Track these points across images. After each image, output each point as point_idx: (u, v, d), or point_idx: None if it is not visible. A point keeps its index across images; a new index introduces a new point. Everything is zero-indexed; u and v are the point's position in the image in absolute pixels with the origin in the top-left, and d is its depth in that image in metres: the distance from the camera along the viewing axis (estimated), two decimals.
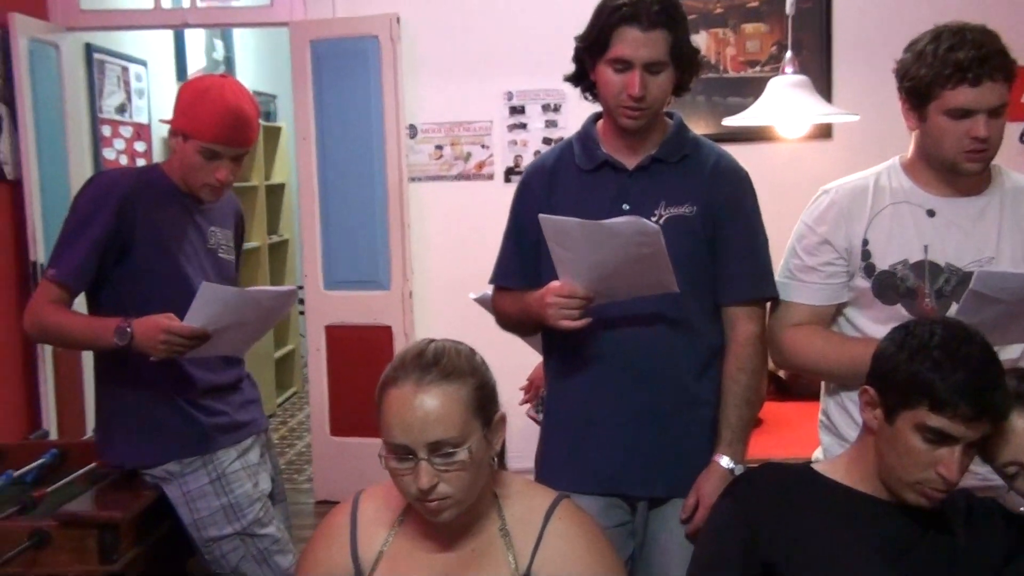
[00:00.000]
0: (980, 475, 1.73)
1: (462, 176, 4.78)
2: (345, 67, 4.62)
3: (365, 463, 4.29)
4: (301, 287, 4.87)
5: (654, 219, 2.00)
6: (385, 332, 4.67)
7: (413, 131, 4.76)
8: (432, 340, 1.59)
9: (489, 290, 2.97)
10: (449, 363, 1.53)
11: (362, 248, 4.70)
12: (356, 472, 4.36)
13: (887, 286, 2.02)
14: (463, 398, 1.51)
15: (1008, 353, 1.96)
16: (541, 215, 1.94)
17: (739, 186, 2.11)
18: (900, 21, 4.24)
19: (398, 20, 4.58)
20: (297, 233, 6.36)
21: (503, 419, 1.60)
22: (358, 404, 4.56)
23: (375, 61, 4.59)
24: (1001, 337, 1.81)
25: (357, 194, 4.67)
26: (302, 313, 5.00)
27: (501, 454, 1.65)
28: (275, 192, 7.11)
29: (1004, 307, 1.81)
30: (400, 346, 4.61)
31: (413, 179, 4.75)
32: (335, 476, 4.73)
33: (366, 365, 4.64)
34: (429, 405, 1.49)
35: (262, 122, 6.52)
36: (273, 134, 7.06)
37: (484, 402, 1.55)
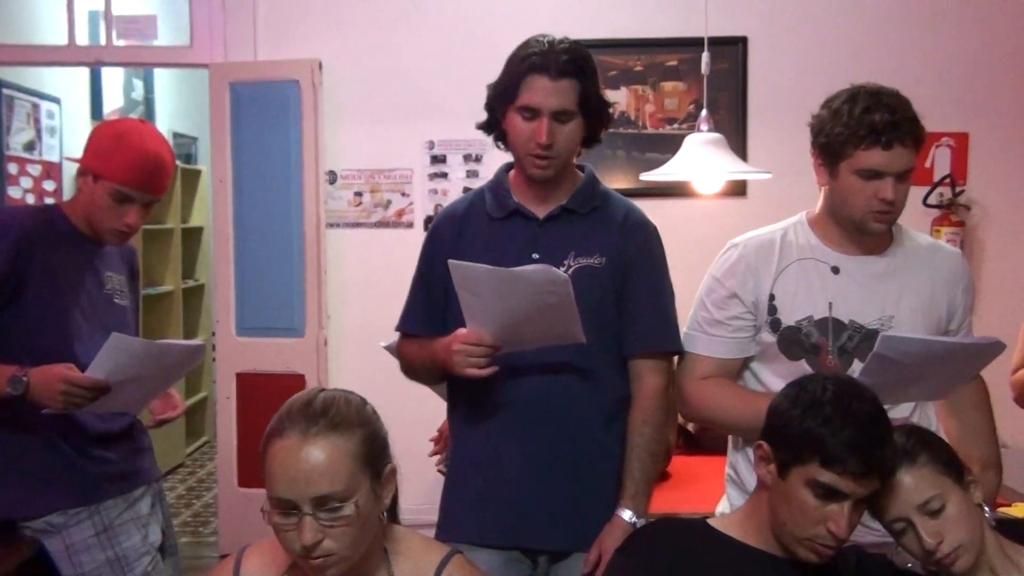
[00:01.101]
0: (880, 532, 1.74)
1: (381, 223, 4.75)
2: (265, 111, 4.58)
3: None
4: (214, 333, 4.77)
5: (563, 269, 2.00)
6: (298, 381, 4.58)
7: (333, 177, 4.72)
8: (322, 389, 1.54)
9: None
10: (337, 414, 1.49)
11: (277, 294, 4.62)
12: (262, 525, 4.25)
13: (792, 341, 2.03)
14: (351, 450, 1.47)
15: (899, 411, 1.99)
16: (451, 261, 1.93)
17: (648, 239, 2.12)
18: (812, 83, 4.33)
19: (320, 66, 4.56)
20: (213, 278, 6.24)
21: (394, 472, 1.55)
22: None
23: (296, 106, 4.55)
24: (903, 396, 1.84)
25: (273, 239, 4.60)
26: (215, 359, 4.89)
27: (394, 508, 1.61)
28: (192, 235, 6.99)
29: (905, 370, 1.83)
30: None
31: (331, 225, 4.71)
32: (241, 529, 4.58)
33: None
34: (315, 458, 1.44)
35: (181, 164, 6.50)
36: (192, 177, 6.95)
37: (373, 454, 1.50)
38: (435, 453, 3.28)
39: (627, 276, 2.07)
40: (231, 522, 4.67)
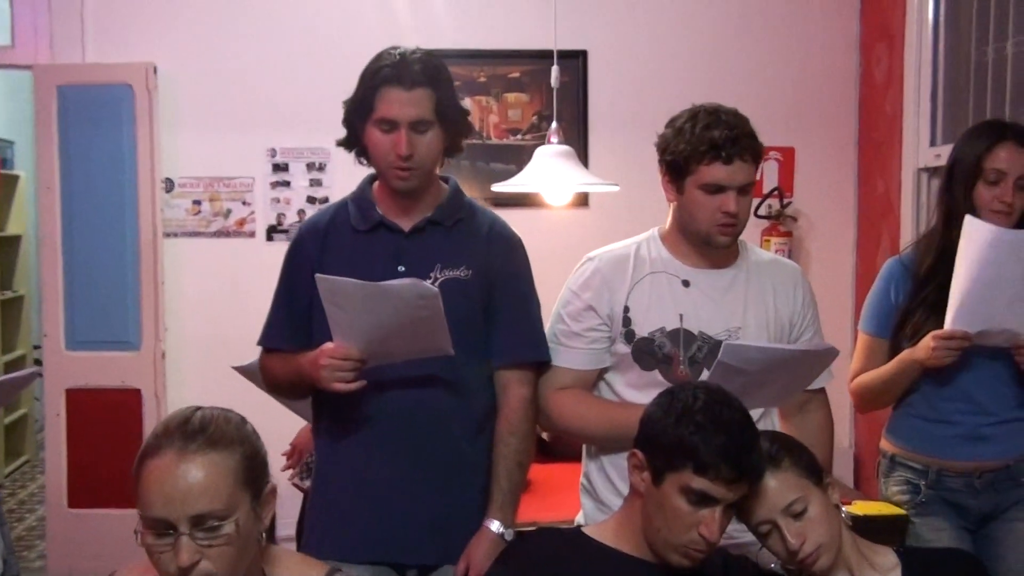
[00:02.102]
0: (728, 533, 1.81)
1: (222, 233, 4.62)
2: (96, 116, 4.37)
3: (107, 537, 4.04)
4: (38, 347, 4.51)
5: (429, 281, 2.00)
6: (134, 395, 4.40)
7: (170, 185, 4.56)
8: (199, 408, 1.50)
9: (253, 359, 2.88)
10: (217, 431, 1.45)
11: (110, 306, 4.42)
12: (96, 547, 4.05)
13: (645, 352, 2.10)
14: (231, 468, 1.43)
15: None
16: (318, 275, 1.90)
17: (513, 251, 2.15)
18: (650, 98, 4.52)
19: (155, 70, 4.39)
20: (35, 289, 5.91)
21: (274, 491, 1.53)
22: (102, 473, 4.26)
23: (129, 111, 4.37)
24: (748, 403, 1.92)
25: (106, 248, 4.40)
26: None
27: (271, 528, 1.57)
28: (9, 244, 6.59)
29: (749, 377, 1.92)
30: (150, 410, 4.38)
31: (168, 234, 4.54)
32: (73, 552, 4.35)
33: (111, 431, 4.36)
34: (193, 476, 1.40)
35: None
36: (9, 183, 6.55)
37: (254, 473, 1.47)
38: (288, 467, 3.23)
39: (493, 288, 2.09)
40: (61, 545, 4.43)
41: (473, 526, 2.04)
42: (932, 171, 4.30)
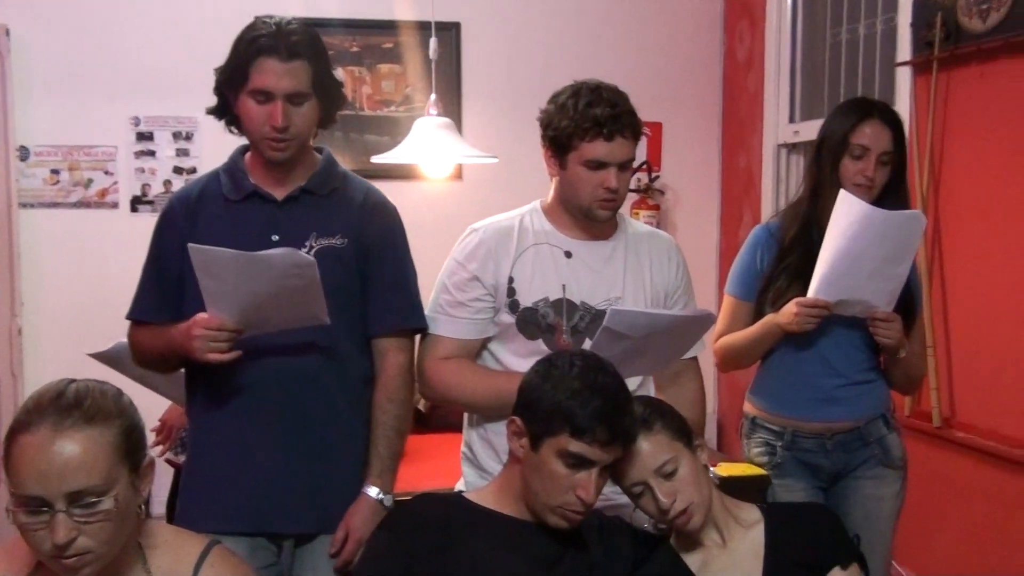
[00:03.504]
0: (604, 495, 1.88)
1: (82, 203, 4.44)
2: None
3: None
4: None
5: (304, 250, 1.99)
6: None
7: (25, 153, 4.36)
8: (72, 380, 1.46)
9: (111, 344, 2.80)
10: (93, 405, 1.41)
11: None
12: None
13: (529, 322, 2.14)
14: (109, 442, 1.40)
15: (629, 385, 2.15)
16: (191, 245, 1.87)
17: (389, 220, 2.16)
18: (523, 72, 4.56)
19: (7, 32, 4.19)
20: None
21: (152, 463, 1.50)
22: None
23: None
24: (627, 371, 1.99)
25: None
26: None
27: (147, 501, 1.55)
28: None
29: (631, 343, 1.98)
30: (6, 389, 4.21)
31: (25, 205, 4.34)
32: None
33: None
34: (69, 451, 1.36)
35: None
36: None
37: (132, 446, 1.44)
38: (158, 443, 3.17)
39: (369, 256, 2.10)
40: None
41: (351, 495, 2.05)
42: (791, 147, 4.48)
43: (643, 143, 4.77)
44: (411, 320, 2.15)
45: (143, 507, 1.49)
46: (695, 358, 2.31)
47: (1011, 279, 3.07)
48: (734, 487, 2.46)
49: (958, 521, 3.34)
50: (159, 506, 2.94)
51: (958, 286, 3.33)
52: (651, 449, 1.76)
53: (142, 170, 4.48)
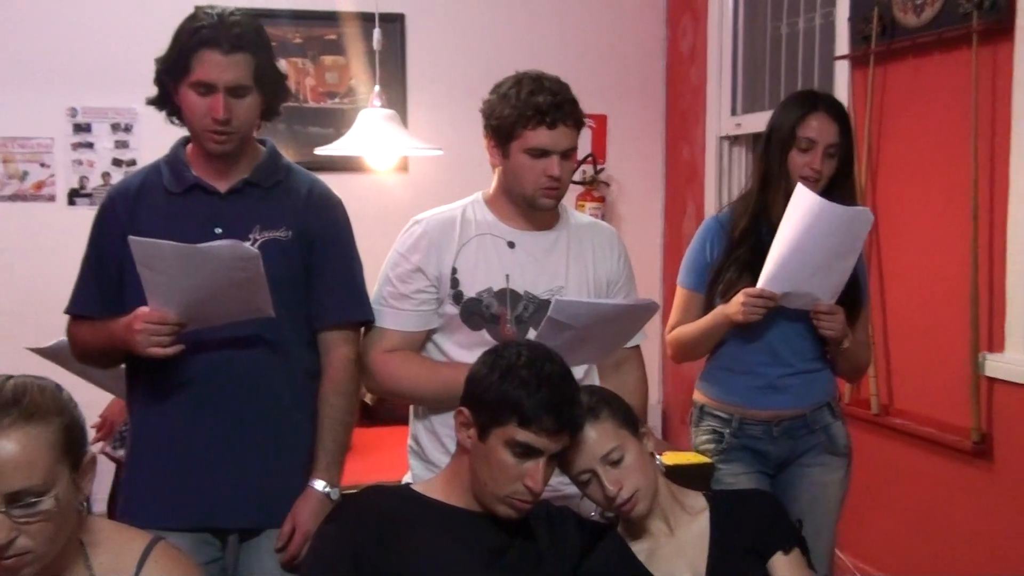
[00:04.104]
0: (551, 485, 1.89)
1: (17, 196, 4.35)
2: None
3: None
4: None
5: (248, 243, 1.97)
6: None
7: None
8: (10, 376, 1.42)
9: (53, 341, 2.75)
10: (31, 402, 1.38)
11: None
12: None
13: (473, 312, 2.14)
14: (48, 441, 1.37)
15: (575, 374, 2.17)
16: (132, 238, 1.84)
17: (334, 212, 2.15)
18: (468, 64, 4.55)
19: None
20: None
21: (93, 461, 1.48)
22: None
23: None
24: (572, 360, 2.01)
25: None
26: None
27: (88, 498, 1.53)
28: None
29: (575, 333, 1.99)
30: None
31: None
32: None
33: None
34: (8, 451, 1.34)
35: None
36: None
37: (73, 443, 1.42)
38: (99, 439, 3.12)
39: (314, 248, 2.08)
40: None
41: (297, 489, 2.04)
42: (733, 139, 4.53)
43: (588, 135, 4.83)
44: (357, 313, 2.14)
45: (84, 504, 1.47)
46: (638, 347, 2.33)
47: (945, 269, 3.15)
48: (680, 475, 2.48)
49: (895, 506, 3.42)
50: (100, 503, 2.90)
51: (894, 276, 3.40)
52: (598, 437, 1.78)
53: (80, 162, 4.41)
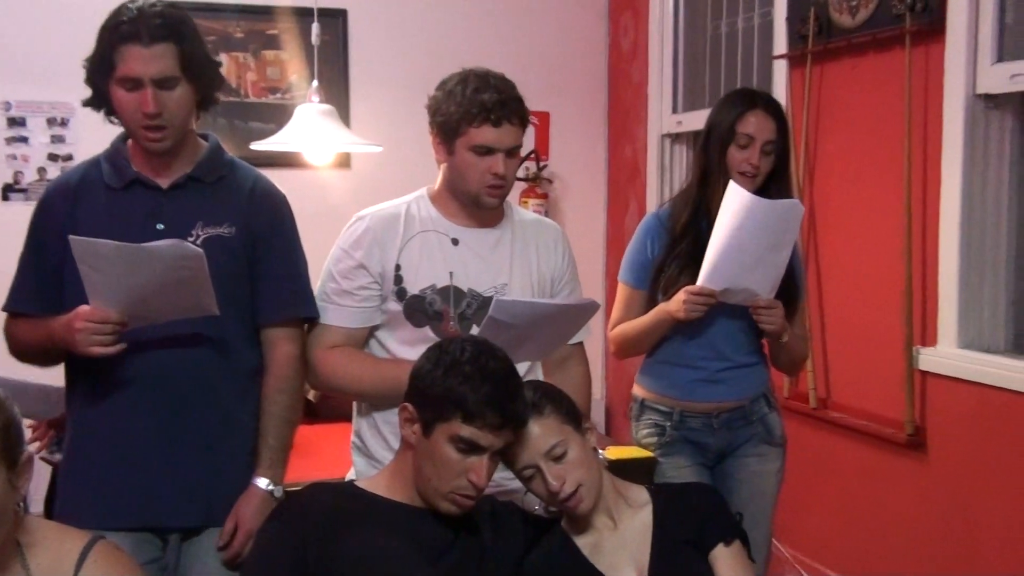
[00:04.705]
0: (495, 481, 1.90)
1: None
2: None
3: None
4: None
5: (191, 239, 1.96)
6: None
7: None
8: None
9: None
10: None
11: None
12: None
13: (416, 309, 2.14)
14: None
15: (519, 370, 2.18)
16: (72, 237, 1.81)
17: (278, 208, 2.13)
18: (411, 61, 4.54)
19: None
20: None
21: (30, 460, 1.46)
22: None
23: None
24: (514, 357, 2.02)
25: None
26: None
27: (24, 499, 1.51)
28: None
29: (517, 331, 2.00)
30: None
31: None
32: None
33: None
34: None
35: None
36: None
37: (8, 443, 1.41)
38: (34, 440, 3.06)
39: (257, 245, 2.07)
40: None
41: (240, 487, 2.02)
42: (675, 137, 4.58)
43: (531, 132, 4.85)
44: (301, 309, 2.13)
45: (21, 504, 1.45)
46: (581, 343, 2.35)
47: (879, 265, 3.22)
48: (623, 470, 2.49)
49: (832, 497, 3.49)
50: (36, 504, 2.85)
51: (831, 272, 3.47)
52: (541, 432, 1.79)
53: (14, 157, 4.31)
